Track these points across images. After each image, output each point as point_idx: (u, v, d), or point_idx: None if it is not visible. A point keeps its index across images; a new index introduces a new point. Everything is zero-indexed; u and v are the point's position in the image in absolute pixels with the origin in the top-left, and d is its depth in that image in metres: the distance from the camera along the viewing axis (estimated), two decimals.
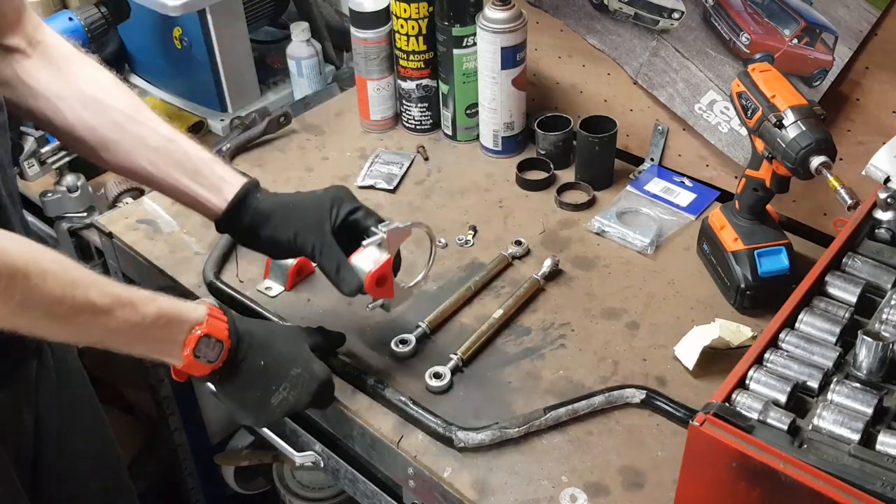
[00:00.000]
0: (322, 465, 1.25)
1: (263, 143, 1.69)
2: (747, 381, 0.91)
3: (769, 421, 0.86)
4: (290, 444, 1.24)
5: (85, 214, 1.61)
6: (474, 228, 1.45)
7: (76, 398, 1.26)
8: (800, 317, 0.97)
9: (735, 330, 1.19)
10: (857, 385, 0.88)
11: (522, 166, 1.56)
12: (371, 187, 1.56)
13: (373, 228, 1.12)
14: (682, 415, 1.11)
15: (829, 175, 1.11)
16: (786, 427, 0.85)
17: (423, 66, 1.62)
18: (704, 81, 1.44)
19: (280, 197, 1.17)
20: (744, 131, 1.39)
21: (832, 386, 0.89)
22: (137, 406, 2.17)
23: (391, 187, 1.55)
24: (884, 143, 1.17)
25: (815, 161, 1.12)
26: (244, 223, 1.14)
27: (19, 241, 0.87)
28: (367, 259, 1.11)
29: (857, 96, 1.30)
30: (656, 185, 1.52)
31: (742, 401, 0.88)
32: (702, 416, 0.85)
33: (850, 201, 1.08)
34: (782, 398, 0.89)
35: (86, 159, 1.18)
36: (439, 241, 1.42)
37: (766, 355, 0.94)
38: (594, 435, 1.12)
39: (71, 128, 1.12)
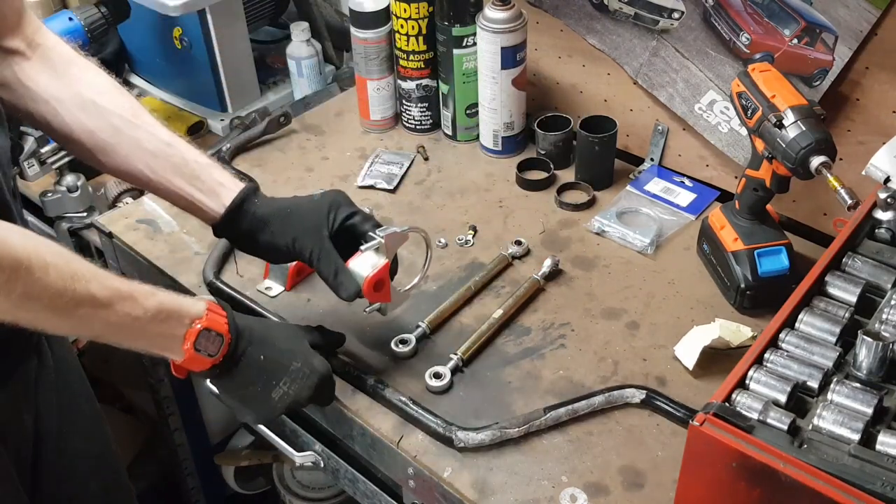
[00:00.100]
0: (322, 465, 1.25)
1: (263, 143, 1.68)
2: (747, 381, 0.91)
3: (769, 421, 0.86)
4: (290, 444, 1.24)
5: (85, 214, 1.62)
6: (474, 228, 1.45)
7: (76, 398, 1.26)
8: (800, 317, 0.97)
9: (735, 330, 1.19)
10: (857, 385, 0.88)
11: (522, 166, 1.56)
12: (371, 187, 1.56)
13: (370, 233, 1.12)
14: (682, 415, 1.11)
15: (829, 175, 1.10)
16: (786, 427, 0.85)
17: (423, 66, 1.62)
18: (704, 81, 1.44)
19: (278, 202, 1.16)
20: (744, 131, 1.39)
21: (832, 386, 0.89)
22: (137, 406, 2.17)
23: (391, 187, 1.55)
24: (884, 143, 1.17)
25: (815, 161, 1.12)
26: (242, 228, 1.15)
27: (23, 234, 0.87)
28: (364, 264, 1.11)
29: (857, 96, 1.30)
30: (656, 185, 1.52)
31: (742, 401, 0.88)
32: (702, 416, 0.85)
33: (850, 201, 1.08)
34: (782, 398, 0.89)
35: (84, 162, 1.18)
36: (439, 241, 1.42)
37: (766, 355, 0.94)
38: (594, 435, 1.12)
39: (69, 131, 1.12)
